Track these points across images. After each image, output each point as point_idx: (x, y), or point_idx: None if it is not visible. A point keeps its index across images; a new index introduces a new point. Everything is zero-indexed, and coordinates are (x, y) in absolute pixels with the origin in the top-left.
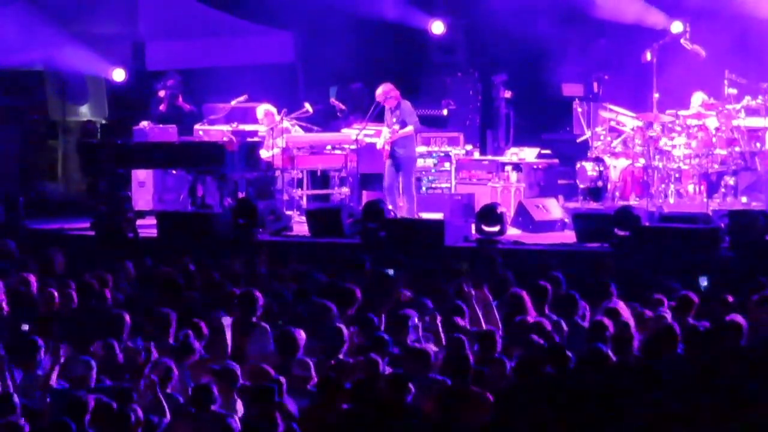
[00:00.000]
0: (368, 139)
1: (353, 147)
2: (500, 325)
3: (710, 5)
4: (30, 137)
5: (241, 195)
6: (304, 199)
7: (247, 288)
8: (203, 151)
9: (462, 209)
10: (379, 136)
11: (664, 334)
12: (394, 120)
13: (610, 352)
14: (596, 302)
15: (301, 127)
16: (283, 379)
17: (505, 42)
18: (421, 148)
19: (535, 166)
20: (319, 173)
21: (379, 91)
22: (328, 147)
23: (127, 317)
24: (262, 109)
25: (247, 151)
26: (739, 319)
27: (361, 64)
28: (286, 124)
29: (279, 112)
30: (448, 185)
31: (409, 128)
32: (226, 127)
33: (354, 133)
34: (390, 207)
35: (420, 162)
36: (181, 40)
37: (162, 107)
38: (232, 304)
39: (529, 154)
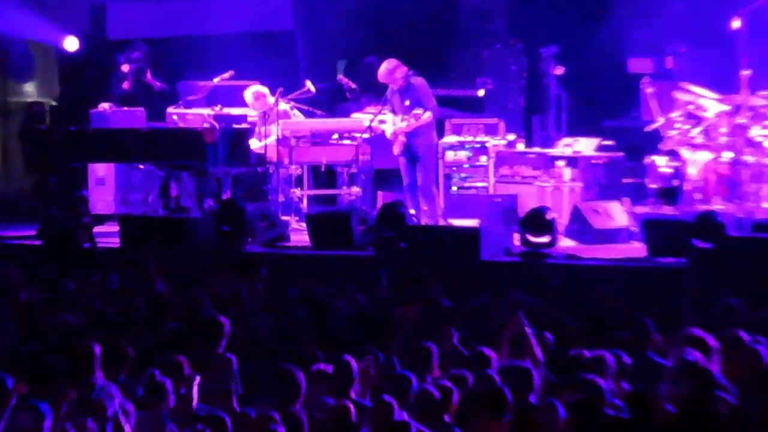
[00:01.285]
0: (384, 127)
1: (366, 136)
2: (541, 359)
3: None
4: None
5: (225, 195)
6: (305, 200)
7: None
8: (178, 141)
9: (502, 214)
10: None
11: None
12: (407, 103)
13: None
14: (668, 331)
15: (300, 110)
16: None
17: (555, 4)
18: (450, 138)
19: (593, 161)
20: (323, 169)
21: (383, 69)
22: (335, 136)
23: (98, 349)
24: (252, 89)
25: (233, 141)
26: None
27: (376, 32)
28: (282, 107)
29: (273, 93)
30: (485, 184)
31: (427, 115)
32: (206, 111)
33: (367, 118)
34: (412, 211)
35: (449, 155)
36: (151, 2)
37: (126, 85)
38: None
39: (586, 145)
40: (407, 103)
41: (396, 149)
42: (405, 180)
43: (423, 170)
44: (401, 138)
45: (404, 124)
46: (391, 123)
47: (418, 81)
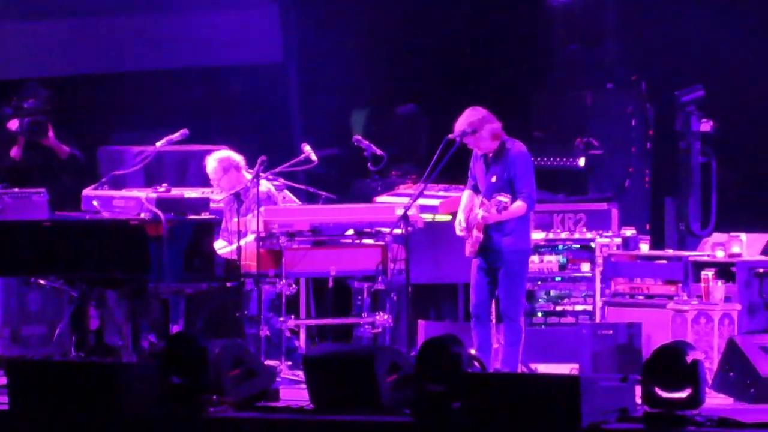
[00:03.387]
0: (430, 217)
1: (399, 232)
2: None
3: None
4: None
5: (176, 328)
6: (302, 335)
7: None
8: (101, 241)
9: (616, 356)
10: (451, 207)
11: None
12: (493, 180)
13: None
14: None
15: (294, 192)
16: None
17: (698, 26)
18: (534, 235)
19: (761, 270)
20: (331, 284)
21: (464, 120)
22: (350, 232)
23: None
24: (218, 156)
25: (189, 242)
26: None
27: (415, 64)
28: (265, 186)
29: (251, 165)
30: (589, 308)
31: (518, 205)
32: (145, 193)
33: (401, 203)
34: (473, 352)
35: (533, 261)
36: (56, 20)
37: (15, 152)
38: None
39: (749, 245)
40: (493, 179)
41: (468, 248)
42: (474, 297)
43: (507, 286)
44: (476, 233)
45: (482, 212)
46: (464, 206)
47: (517, 148)
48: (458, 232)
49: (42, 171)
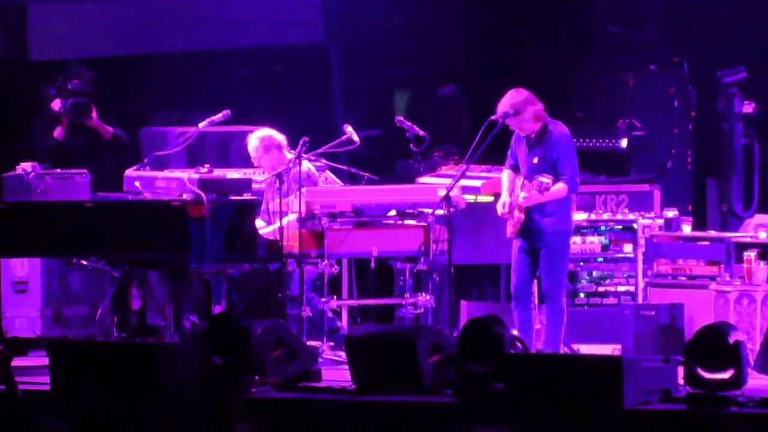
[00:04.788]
0: (472, 198)
1: (441, 213)
2: None
3: None
4: None
5: (218, 309)
6: (344, 316)
7: None
8: (142, 222)
9: (658, 338)
10: (493, 188)
11: None
12: (535, 161)
13: None
14: None
15: (336, 172)
16: None
17: (740, 7)
18: (576, 216)
19: None
20: (373, 265)
21: (506, 102)
22: (392, 213)
23: None
24: (260, 135)
25: (231, 222)
26: None
27: (456, 47)
28: (306, 166)
29: (293, 145)
30: (632, 289)
31: (560, 187)
32: (187, 174)
33: (443, 184)
34: (515, 332)
35: (575, 242)
36: (100, 1)
37: (59, 133)
38: None
39: None
40: (535, 160)
41: (510, 229)
42: (515, 278)
43: (548, 266)
44: (518, 214)
45: (523, 194)
46: (507, 187)
47: (559, 130)
48: (500, 213)
49: (85, 152)
